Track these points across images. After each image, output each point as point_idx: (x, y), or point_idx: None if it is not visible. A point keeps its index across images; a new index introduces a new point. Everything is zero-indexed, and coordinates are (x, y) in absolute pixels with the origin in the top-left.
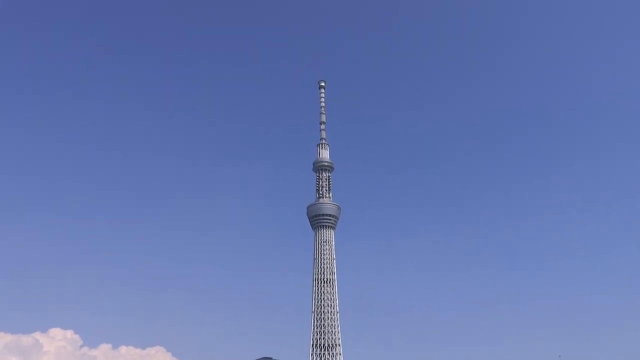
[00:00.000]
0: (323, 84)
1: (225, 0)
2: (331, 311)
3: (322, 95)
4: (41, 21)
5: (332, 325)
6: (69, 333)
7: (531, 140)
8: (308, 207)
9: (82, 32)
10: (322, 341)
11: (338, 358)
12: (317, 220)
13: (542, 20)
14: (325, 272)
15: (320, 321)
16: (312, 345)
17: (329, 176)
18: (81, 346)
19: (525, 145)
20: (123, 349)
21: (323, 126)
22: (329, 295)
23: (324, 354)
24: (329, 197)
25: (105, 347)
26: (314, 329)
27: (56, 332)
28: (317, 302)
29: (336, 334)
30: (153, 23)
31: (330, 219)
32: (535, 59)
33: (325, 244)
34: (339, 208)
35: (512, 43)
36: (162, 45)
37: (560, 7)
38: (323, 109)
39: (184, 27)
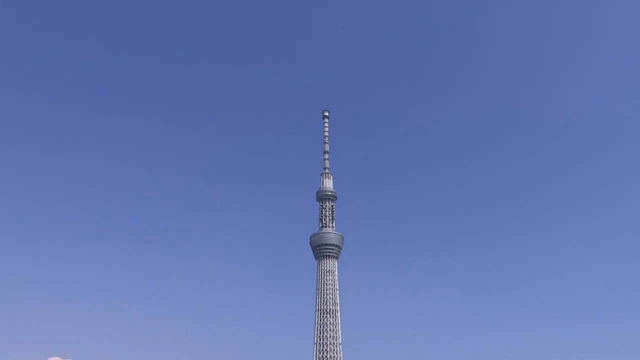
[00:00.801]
0: (327, 113)
1: (231, 29)
2: (334, 342)
3: (326, 124)
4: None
5: (334, 357)
6: None
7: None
8: (311, 237)
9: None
10: None
11: None
12: (320, 250)
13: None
14: (328, 303)
15: (323, 353)
16: None
17: (332, 206)
18: None
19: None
20: None
21: (327, 155)
22: (331, 327)
23: None
24: (333, 227)
25: None
26: None
27: None
28: (320, 333)
29: None
30: (155, 61)
31: (333, 249)
32: (540, 102)
33: (328, 274)
34: (342, 238)
35: (514, 82)
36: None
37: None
38: (327, 138)
39: (187, 57)
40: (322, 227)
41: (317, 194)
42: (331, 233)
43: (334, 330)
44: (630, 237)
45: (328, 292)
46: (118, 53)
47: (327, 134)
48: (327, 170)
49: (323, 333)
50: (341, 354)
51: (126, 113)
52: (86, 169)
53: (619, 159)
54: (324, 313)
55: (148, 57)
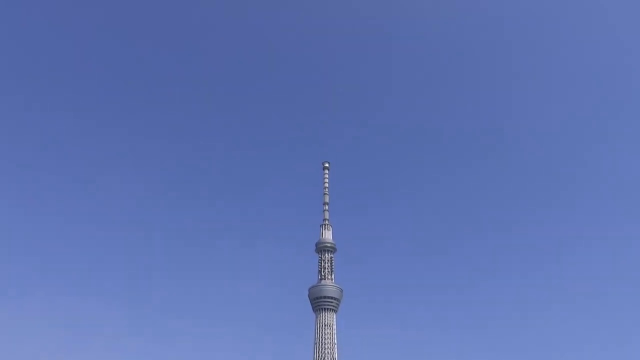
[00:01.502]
0: (327, 165)
1: (230, 78)
2: None
3: (326, 176)
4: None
5: None
6: None
7: (543, 226)
8: (309, 289)
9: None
10: None
11: None
12: (319, 302)
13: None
14: (326, 358)
15: None
16: None
17: (331, 257)
18: None
19: (536, 231)
20: None
21: (326, 207)
22: None
23: None
24: (332, 279)
25: None
26: None
27: None
28: None
29: None
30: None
31: (332, 302)
32: (545, 155)
33: (326, 327)
34: (341, 291)
35: (519, 135)
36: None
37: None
38: (327, 189)
39: (188, 107)
40: (321, 279)
41: (316, 246)
42: (330, 285)
43: None
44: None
45: (326, 347)
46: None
47: (327, 185)
48: (326, 222)
49: None
50: None
51: (128, 175)
52: (79, 232)
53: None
54: None
55: (150, 105)
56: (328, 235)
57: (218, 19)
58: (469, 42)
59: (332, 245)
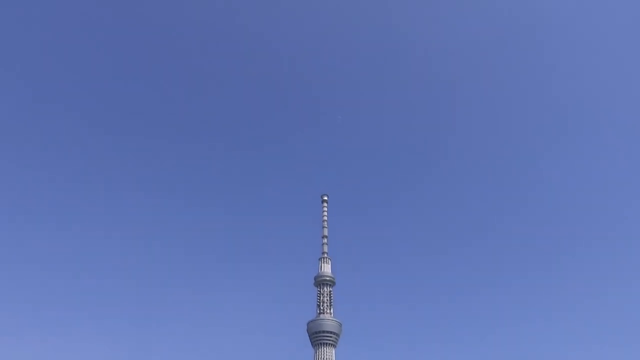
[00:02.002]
0: (326, 198)
1: (231, 115)
2: None
3: (325, 209)
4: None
5: None
6: None
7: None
8: (308, 324)
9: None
10: None
11: None
12: (318, 337)
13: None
14: None
15: None
16: None
17: (330, 291)
18: None
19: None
20: None
21: (325, 240)
22: None
23: None
24: (330, 313)
25: None
26: None
27: None
28: None
29: None
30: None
31: (331, 337)
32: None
33: None
34: (340, 325)
35: (522, 178)
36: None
37: None
38: (325, 222)
39: (189, 140)
40: (320, 313)
41: (315, 279)
42: (329, 320)
43: None
44: None
45: None
46: (122, 134)
47: (325, 218)
48: (325, 255)
49: None
50: None
51: (131, 191)
52: (86, 247)
53: None
54: None
55: (154, 140)
56: (327, 268)
57: (218, 56)
58: (461, 49)
59: (331, 278)
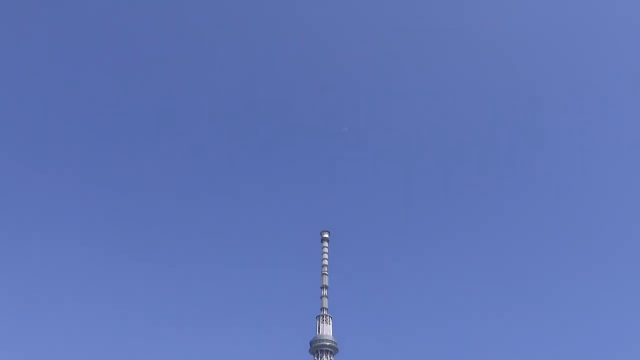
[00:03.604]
0: (327, 235)
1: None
2: None
3: (325, 250)
4: None
5: None
6: None
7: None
8: None
9: None
10: None
11: None
12: None
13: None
14: None
15: None
16: None
17: None
18: None
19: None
20: None
21: (325, 291)
22: None
23: None
24: None
25: None
26: None
27: None
28: None
29: None
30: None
31: None
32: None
33: None
34: None
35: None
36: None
37: None
38: (325, 267)
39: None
40: None
41: (311, 345)
42: None
43: None
44: None
45: None
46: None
47: (326, 262)
48: (325, 312)
49: None
50: None
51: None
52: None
53: None
54: None
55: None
56: (327, 330)
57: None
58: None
59: (333, 343)
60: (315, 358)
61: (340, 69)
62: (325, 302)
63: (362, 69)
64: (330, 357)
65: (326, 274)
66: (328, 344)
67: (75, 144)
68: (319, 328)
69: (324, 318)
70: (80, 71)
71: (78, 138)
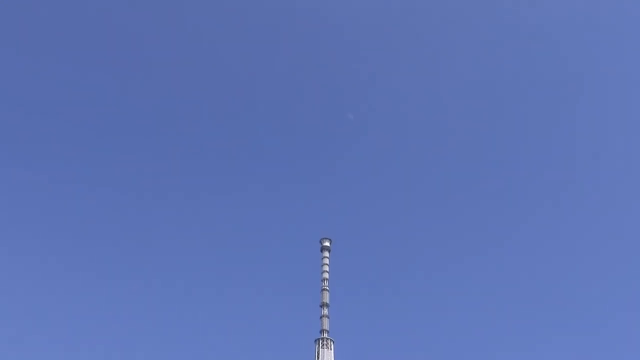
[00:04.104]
0: (327, 244)
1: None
2: None
3: (326, 261)
4: None
5: None
6: None
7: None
8: None
9: None
10: None
11: None
12: None
13: None
14: None
15: None
16: None
17: None
18: None
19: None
20: None
21: (325, 310)
22: None
23: None
24: None
25: None
26: None
27: None
28: None
29: None
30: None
31: None
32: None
33: None
34: None
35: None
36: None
37: None
38: (326, 282)
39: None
40: None
41: None
42: None
43: None
44: None
45: None
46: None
47: (326, 276)
48: (325, 335)
49: None
50: None
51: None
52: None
53: None
54: None
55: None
56: (328, 356)
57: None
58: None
59: None
60: None
61: (340, 68)
62: (326, 323)
63: (364, 67)
64: None
65: (327, 290)
66: None
67: (75, 143)
68: (318, 354)
69: (324, 342)
70: (80, 71)
71: (78, 137)
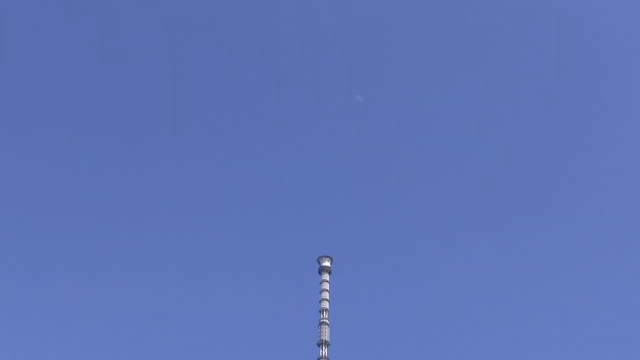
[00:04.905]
0: (328, 264)
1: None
2: None
3: (326, 286)
4: None
5: None
6: None
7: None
8: None
9: None
10: None
11: None
12: None
13: None
14: None
15: None
16: None
17: None
18: None
19: None
20: None
21: (324, 351)
22: None
23: None
24: None
25: None
26: None
27: None
28: None
29: None
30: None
31: None
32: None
33: None
34: None
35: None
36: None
37: None
38: (326, 312)
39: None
40: None
41: None
42: None
43: None
44: None
45: None
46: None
47: (326, 305)
48: None
49: None
50: None
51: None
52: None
53: None
54: None
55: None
56: None
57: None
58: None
59: None
60: None
61: (341, 67)
62: (325, 352)
63: (365, 66)
64: None
65: (326, 323)
66: None
67: (75, 143)
68: None
69: None
70: (79, 70)
71: (77, 137)
